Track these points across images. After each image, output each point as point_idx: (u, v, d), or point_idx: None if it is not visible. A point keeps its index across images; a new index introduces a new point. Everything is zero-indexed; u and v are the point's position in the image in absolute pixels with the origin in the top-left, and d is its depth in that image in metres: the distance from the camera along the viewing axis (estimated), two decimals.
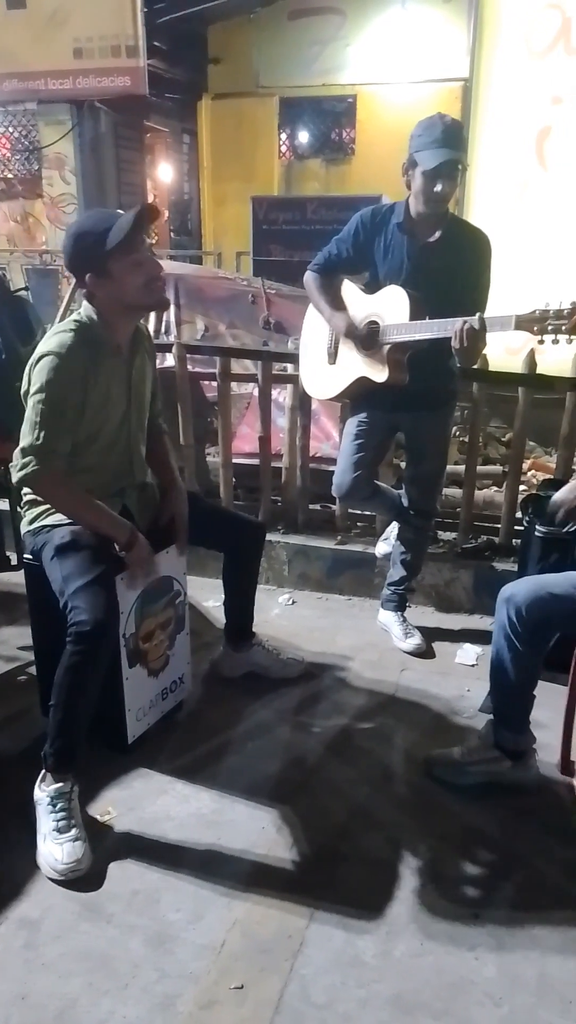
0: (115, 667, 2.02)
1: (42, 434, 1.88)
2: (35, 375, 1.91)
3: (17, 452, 1.92)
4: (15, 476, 1.93)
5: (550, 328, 1.97)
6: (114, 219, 1.92)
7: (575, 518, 1.94)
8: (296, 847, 1.85)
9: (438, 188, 2.21)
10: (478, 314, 2.08)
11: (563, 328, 1.95)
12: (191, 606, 2.45)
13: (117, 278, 1.92)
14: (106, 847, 1.84)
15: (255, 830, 1.90)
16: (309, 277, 2.55)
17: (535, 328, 1.99)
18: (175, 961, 1.57)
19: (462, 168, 2.22)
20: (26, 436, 1.90)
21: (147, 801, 1.99)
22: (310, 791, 2.04)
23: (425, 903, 1.71)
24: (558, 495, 2.03)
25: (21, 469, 1.90)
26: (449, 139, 2.18)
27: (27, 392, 1.95)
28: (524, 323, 2.01)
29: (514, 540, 3.02)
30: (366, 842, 1.88)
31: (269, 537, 2.67)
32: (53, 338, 1.94)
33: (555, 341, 1.97)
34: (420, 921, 1.67)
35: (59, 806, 1.82)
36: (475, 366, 2.59)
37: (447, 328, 2.13)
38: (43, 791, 1.85)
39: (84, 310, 2.00)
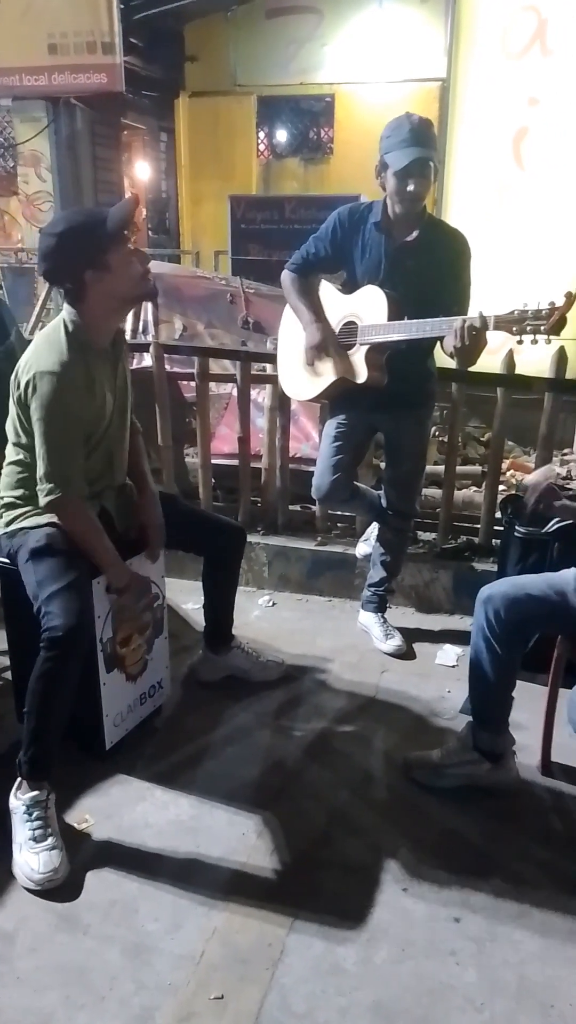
0: (92, 672, 2.00)
1: (55, 459, 1.87)
2: (37, 398, 1.85)
3: (40, 475, 1.89)
4: (42, 500, 1.90)
5: (528, 328, 1.96)
6: (100, 213, 1.89)
7: (544, 502, 1.94)
8: (276, 853, 1.83)
9: (410, 188, 2.20)
10: (479, 312, 2.06)
11: (541, 328, 1.95)
12: (170, 609, 2.43)
13: (115, 270, 1.88)
14: (83, 856, 1.81)
15: (235, 836, 1.88)
16: (286, 277, 2.53)
17: (514, 328, 1.99)
18: (153, 972, 1.54)
19: (433, 166, 2.21)
20: (41, 462, 1.88)
21: (125, 808, 1.96)
22: (290, 796, 2.02)
23: (405, 908, 1.70)
24: (529, 478, 2.04)
25: (47, 495, 1.88)
26: (417, 138, 2.17)
27: (19, 401, 1.91)
28: (503, 323, 2.01)
29: (494, 540, 3.03)
30: (346, 847, 1.86)
31: (249, 538, 2.65)
32: (45, 354, 1.88)
33: (534, 341, 1.97)
34: (400, 927, 1.66)
35: (35, 814, 1.79)
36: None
37: (442, 327, 2.12)
38: (18, 799, 1.82)
39: (66, 314, 1.93)
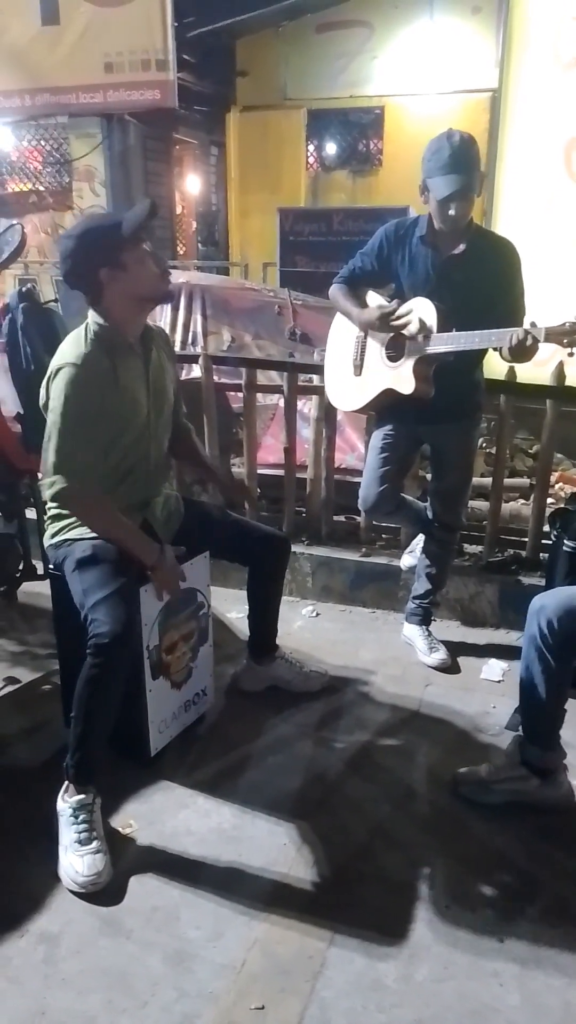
0: (138, 679, 2.02)
1: (65, 450, 1.89)
2: (53, 388, 1.92)
3: (48, 468, 1.93)
4: (46, 493, 1.94)
5: None
6: (117, 217, 1.95)
7: None
8: (316, 866, 1.83)
9: (451, 213, 2.21)
10: (531, 322, 2.06)
11: None
12: (214, 618, 2.45)
13: (131, 269, 1.93)
14: (127, 860, 1.83)
15: (275, 847, 1.88)
16: (335, 289, 2.55)
17: (565, 341, 1.97)
18: (194, 980, 1.55)
19: (478, 185, 2.21)
20: (48, 453, 1.91)
21: (168, 815, 1.98)
22: (331, 808, 2.02)
23: (447, 926, 1.68)
24: None
25: (51, 486, 1.91)
26: (457, 163, 2.16)
27: (45, 405, 1.96)
28: (554, 335, 1.99)
29: (541, 554, 2.98)
30: (387, 862, 1.85)
31: (293, 549, 2.66)
32: (68, 348, 1.94)
33: None
34: (442, 945, 1.64)
35: (80, 818, 1.82)
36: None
37: (492, 339, 2.13)
38: (65, 802, 1.85)
39: (90, 317, 1.99)
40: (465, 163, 2.18)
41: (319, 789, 2.09)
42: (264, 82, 8.70)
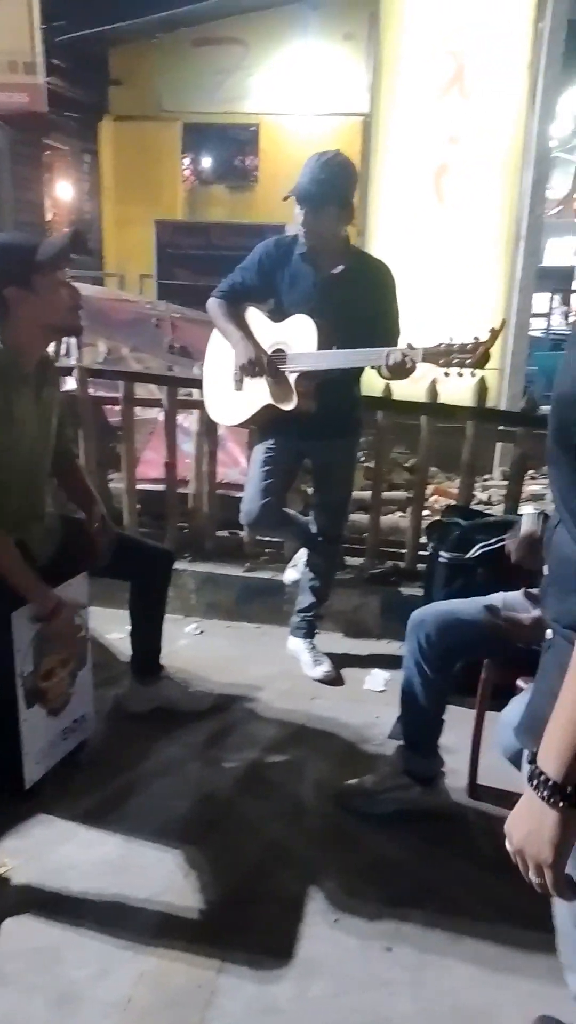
0: (11, 708, 1.91)
1: None
2: None
3: None
4: None
5: (455, 361, 2.02)
6: (36, 240, 1.88)
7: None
8: (206, 890, 1.79)
9: (304, 220, 2.28)
10: (408, 344, 2.13)
11: (467, 362, 2.00)
12: (94, 639, 2.36)
13: (41, 295, 1.85)
14: (3, 901, 1.72)
15: (164, 875, 1.82)
16: (213, 303, 2.54)
17: (441, 361, 2.04)
18: (80, 1022, 1.47)
19: (339, 203, 2.27)
20: None
21: (48, 849, 1.88)
22: (221, 830, 1.98)
23: (339, 940, 1.68)
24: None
25: None
26: (315, 176, 2.23)
27: None
28: (431, 356, 2.06)
29: (419, 565, 3.07)
30: (279, 880, 1.83)
31: (176, 565, 2.61)
32: None
33: (460, 374, 2.03)
34: (334, 960, 1.63)
35: None
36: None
37: (371, 358, 2.19)
38: None
39: None
40: (323, 178, 2.23)
41: (209, 810, 2.05)
42: (139, 92, 8.62)
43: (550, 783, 0.84)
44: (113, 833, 1.94)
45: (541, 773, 0.85)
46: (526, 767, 0.94)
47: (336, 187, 2.26)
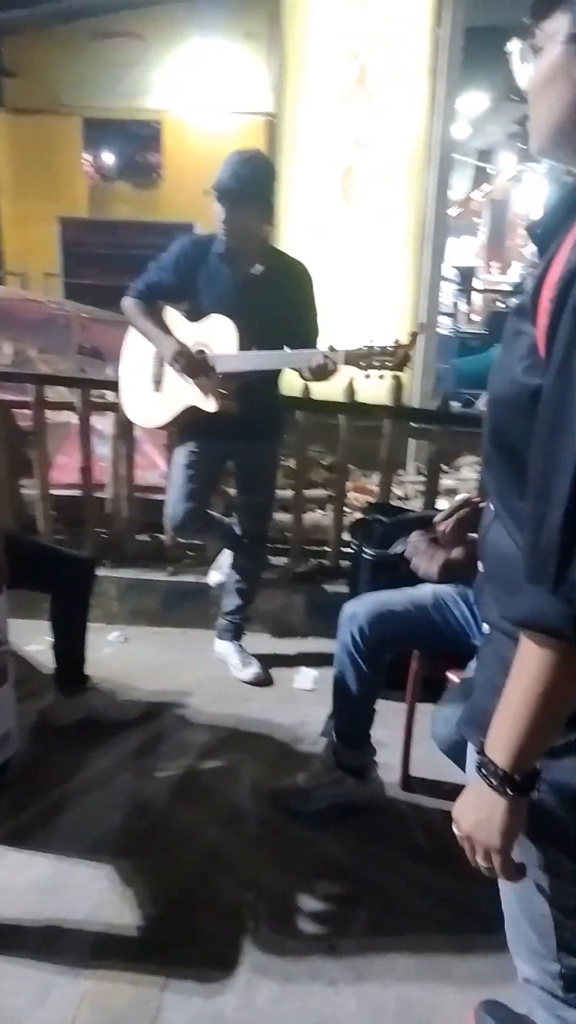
0: None
1: None
2: None
3: None
4: None
5: (376, 364, 2.05)
6: None
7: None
8: (145, 905, 1.75)
9: (224, 217, 2.25)
10: (330, 346, 2.13)
11: (388, 364, 2.03)
12: (14, 653, 2.27)
13: None
14: None
15: (101, 891, 1.77)
16: (130, 303, 2.48)
17: (362, 363, 2.06)
18: None
19: (253, 200, 2.25)
20: None
21: None
22: (158, 840, 1.94)
23: (283, 944, 1.68)
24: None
25: None
26: (236, 171, 2.21)
27: None
28: (352, 358, 2.08)
29: (342, 562, 3.11)
30: (220, 888, 1.81)
31: (97, 572, 2.54)
32: None
33: (381, 376, 2.06)
34: (279, 964, 1.63)
35: None
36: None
37: (293, 360, 2.19)
38: None
39: None
40: (244, 175, 2.22)
41: (144, 822, 2.00)
42: (35, 85, 8.32)
43: (500, 773, 0.86)
44: (44, 853, 1.87)
45: (491, 763, 0.87)
46: (473, 758, 0.96)
47: (257, 184, 2.24)
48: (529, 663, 0.81)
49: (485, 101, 10.65)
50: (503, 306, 9.14)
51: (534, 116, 0.90)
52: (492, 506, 0.98)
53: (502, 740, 0.86)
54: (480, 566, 1.06)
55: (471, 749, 1.03)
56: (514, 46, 0.89)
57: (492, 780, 0.87)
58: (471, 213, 15.20)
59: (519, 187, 13.30)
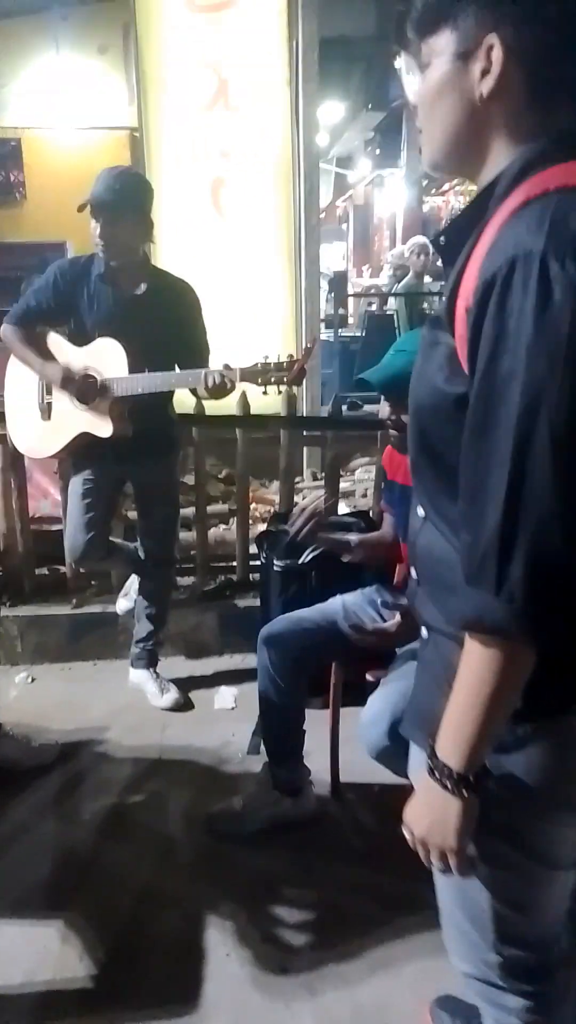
0: None
1: None
2: None
3: None
4: None
5: (272, 379, 2.05)
6: None
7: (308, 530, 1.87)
8: (87, 957, 1.67)
9: (101, 232, 2.22)
10: (225, 364, 2.12)
11: (284, 379, 2.04)
12: None
13: None
14: None
15: (35, 952, 1.68)
16: (7, 330, 2.39)
17: (259, 380, 2.07)
18: None
19: (129, 213, 2.23)
20: None
21: None
22: (91, 887, 1.86)
23: (234, 973, 1.64)
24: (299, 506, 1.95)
25: None
26: (110, 185, 2.19)
27: None
28: (248, 375, 2.07)
29: (251, 575, 3.09)
30: (162, 925, 1.76)
31: None
32: None
33: (279, 392, 2.07)
34: (231, 994, 1.60)
35: None
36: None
37: (189, 380, 2.18)
38: None
39: None
40: (118, 188, 2.19)
41: (73, 869, 1.92)
42: None
43: (454, 775, 0.86)
44: None
45: (444, 766, 0.87)
46: (419, 761, 0.96)
47: (133, 197, 2.21)
48: (476, 664, 0.82)
49: (341, 110, 10.94)
50: (373, 308, 9.42)
51: (427, 131, 0.92)
52: (422, 511, 0.98)
53: (454, 742, 0.86)
54: (412, 572, 1.06)
55: (414, 752, 1.03)
56: (400, 62, 0.90)
57: (447, 783, 0.87)
58: (336, 219, 15.57)
59: (380, 191, 13.71)
